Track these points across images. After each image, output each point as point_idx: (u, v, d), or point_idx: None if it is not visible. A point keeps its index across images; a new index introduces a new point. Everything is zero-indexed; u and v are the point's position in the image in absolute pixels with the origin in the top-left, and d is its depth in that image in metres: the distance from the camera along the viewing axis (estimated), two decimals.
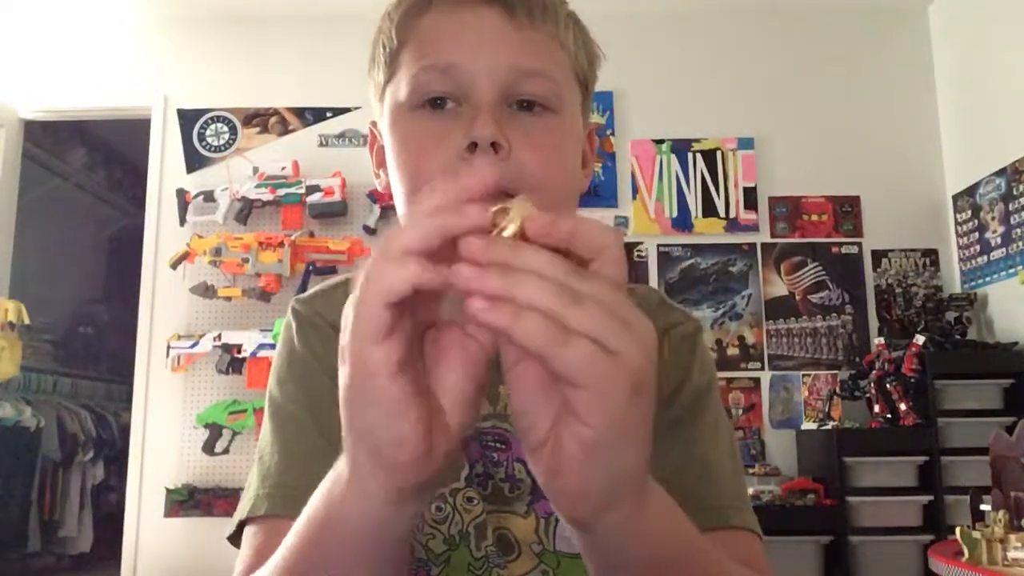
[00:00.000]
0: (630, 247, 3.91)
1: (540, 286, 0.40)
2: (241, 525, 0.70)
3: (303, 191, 3.85)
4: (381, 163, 0.76)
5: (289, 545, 0.54)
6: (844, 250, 4.01)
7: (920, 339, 3.51)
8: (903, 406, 3.45)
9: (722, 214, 4.03)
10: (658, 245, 3.99)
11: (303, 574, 0.53)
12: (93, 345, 6.07)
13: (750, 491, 3.43)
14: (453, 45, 0.68)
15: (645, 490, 0.48)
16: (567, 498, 0.45)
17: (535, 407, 0.44)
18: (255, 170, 3.93)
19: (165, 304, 3.90)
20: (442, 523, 0.71)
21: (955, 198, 3.98)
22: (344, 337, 0.44)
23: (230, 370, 3.72)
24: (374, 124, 0.79)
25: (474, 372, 0.45)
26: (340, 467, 0.50)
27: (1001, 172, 3.64)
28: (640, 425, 0.43)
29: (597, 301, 0.41)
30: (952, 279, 3.97)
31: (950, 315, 3.77)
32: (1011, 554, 1.99)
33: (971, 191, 3.85)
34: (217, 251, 3.78)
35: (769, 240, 4.01)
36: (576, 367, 0.40)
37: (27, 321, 3.96)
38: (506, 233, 0.43)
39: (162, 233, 4.00)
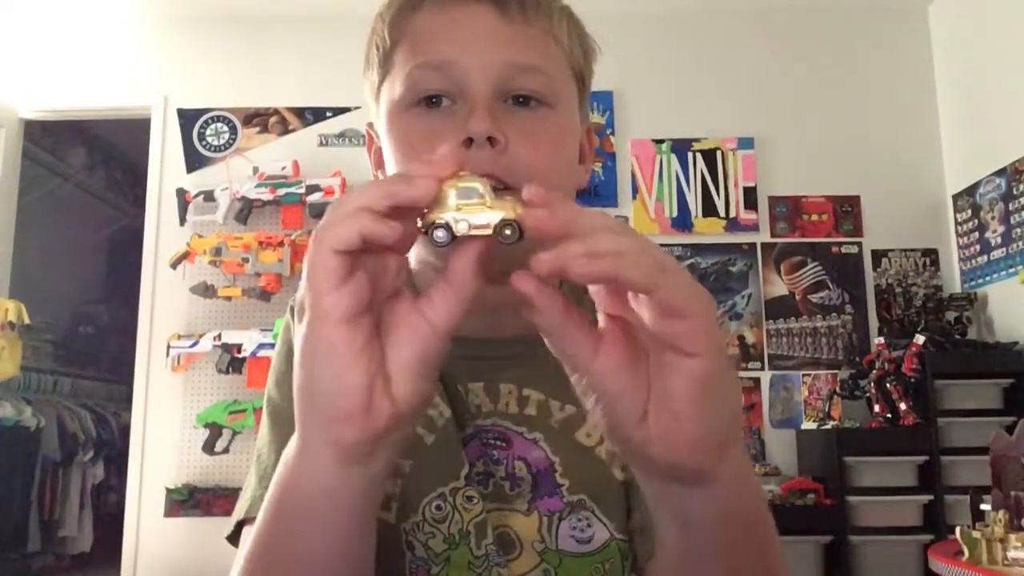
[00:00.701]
0: None
1: (618, 237, 0.44)
2: (240, 526, 0.70)
3: (303, 191, 3.85)
4: (379, 164, 0.76)
5: (260, 516, 0.55)
6: (844, 250, 4.01)
7: (920, 339, 3.51)
8: (903, 406, 3.45)
9: (722, 214, 4.03)
10: (658, 245, 3.99)
11: (272, 546, 0.54)
12: (93, 345, 6.07)
13: None
14: (446, 42, 0.68)
15: None
16: (688, 448, 0.46)
17: (629, 382, 0.46)
18: (255, 170, 3.93)
19: (165, 304, 3.90)
20: (442, 522, 0.71)
21: (955, 198, 3.98)
22: (299, 292, 0.47)
23: (230, 370, 3.72)
24: (371, 125, 0.79)
25: (419, 346, 0.47)
26: (294, 436, 0.51)
27: (1001, 172, 3.64)
28: (727, 354, 0.45)
29: (655, 245, 0.46)
30: (952, 279, 3.97)
31: (950, 315, 3.77)
32: (1011, 554, 1.99)
33: (971, 191, 3.85)
34: (217, 251, 3.78)
35: (769, 240, 4.01)
36: (682, 294, 0.43)
37: (27, 321, 3.96)
38: (473, 218, 0.46)
39: (162, 233, 4.00)
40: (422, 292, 0.49)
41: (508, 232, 0.46)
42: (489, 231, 0.46)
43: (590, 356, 0.46)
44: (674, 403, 0.44)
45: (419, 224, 0.47)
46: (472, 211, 0.46)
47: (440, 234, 0.46)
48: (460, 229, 0.46)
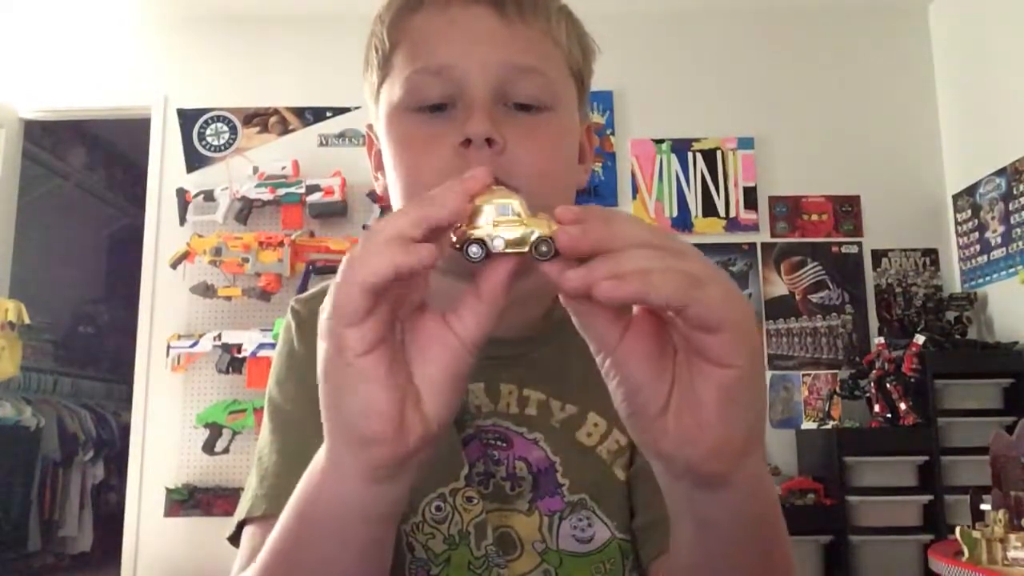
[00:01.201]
0: None
1: (650, 253, 0.44)
2: (240, 526, 0.70)
3: (303, 191, 3.85)
4: (379, 166, 0.76)
5: (277, 530, 0.55)
6: (844, 250, 4.01)
7: (920, 339, 3.51)
8: (903, 406, 3.45)
9: (722, 214, 4.03)
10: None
11: (290, 557, 0.54)
12: (93, 345, 6.06)
13: None
14: (445, 45, 0.68)
15: None
16: (707, 453, 0.45)
17: (651, 377, 0.46)
18: (255, 170, 3.93)
19: (165, 304, 3.90)
20: (442, 523, 0.71)
21: (955, 198, 3.98)
22: (323, 316, 0.46)
23: (230, 370, 3.71)
24: (370, 127, 0.79)
25: (449, 362, 0.48)
26: (321, 451, 0.51)
27: (1001, 172, 3.64)
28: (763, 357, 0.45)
29: (692, 251, 0.45)
30: (952, 279, 3.97)
31: (950, 315, 3.77)
32: (1011, 554, 1.99)
33: (971, 191, 3.85)
34: (217, 251, 3.78)
35: (769, 240, 4.01)
36: (715, 309, 0.42)
37: (27, 321, 3.96)
38: (508, 235, 0.47)
39: (162, 233, 4.00)
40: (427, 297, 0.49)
41: (544, 249, 0.46)
42: (525, 248, 0.46)
43: (615, 340, 0.46)
44: (700, 409, 0.44)
45: (453, 239, 0.47)
46: (507, 228, 0.47)
47: (475, 250, 0.47)
48: (496, 246, 0.47)
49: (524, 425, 0.73)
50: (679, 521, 0.54)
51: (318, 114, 4.11)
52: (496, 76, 0.67)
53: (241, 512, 0.70)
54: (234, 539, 0.71)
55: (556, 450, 0.73)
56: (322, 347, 0.47)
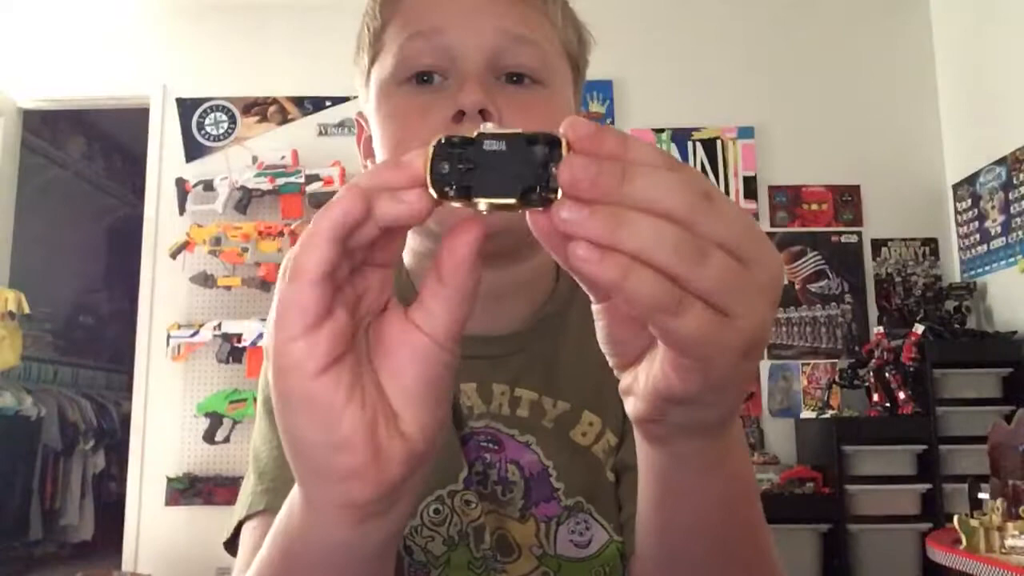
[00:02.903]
0: None
1: (659, 233, 0.34)
2: (239, 527, 0.68)
3: (302, 180, 3.84)
4: (369, 154, 0.74)
5: (260, 563, 0.49)
6: (844, 239, 4.01)
7: (919, 328, 3.52)
8: (902, 395, 3.46)
9: None
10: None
11: None
12: (93, 334, 6.07)
13: None
14: (438, 11, 0.67)
15: (728, 422, 0.44)
16: (637, 414, 0.42)
17: (627, 338, 0.41)
18: (254, 159, 3.93)
19: (165, 293, 3.91)
20: (440, 525, 0.70)
21: (955, 187, 3.97)
22: (266, 333, 0.39)
23: (230, 359, 3.72)
24: (360, 114, 0.77)
25: (423, 368, 0.39)
26: (295, 491, 0.44)
27: (1001, 161, 3.64)
28: (743, 383, 0.39)
29: (722, 242, 0.34)
30: (952, 268, 3.97)
31: (949, 304, 3.77)
32: (1008, 542, 2.00)
33: (971, 180, 3.84)
34: (217, 240, 3.78)
35: (769, 229, 4.00)
36: (685, 339, 0.35)
37: (27, 310, 3.97)
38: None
39: (162, 222, 3.99)
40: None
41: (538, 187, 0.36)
42: (513, 200, 0.36)
43: (599, 295, 0.41)
44: (648, 392, 0.40)
45: (431, 192, 0.37)
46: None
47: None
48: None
49: (516, 427, 0.71)
50: (644, 490, 0.50)
51: (317, 103, 4.10)
52: (491, 43, 0.65)
53: (241, 511, 0.68)
54: (231, 544, 0.69)
55: (549, 453, 0.71)
56: (267, 368, 0.39)
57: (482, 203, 0.36)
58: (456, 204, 0.37)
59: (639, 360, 0.41)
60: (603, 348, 0.42)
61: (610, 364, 0.43)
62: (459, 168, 0.36)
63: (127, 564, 3.75)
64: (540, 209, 0.36)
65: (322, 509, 0.41)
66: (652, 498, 0.50)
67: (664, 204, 0.34)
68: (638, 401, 0.41)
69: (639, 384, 0.40)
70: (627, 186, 0.34)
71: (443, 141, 0.37)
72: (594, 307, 0.41)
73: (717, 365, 0.36)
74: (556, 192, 0.35)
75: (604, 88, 4.06)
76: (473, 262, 0.38)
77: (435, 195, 0.36)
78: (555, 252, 0.37)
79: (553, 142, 0.35)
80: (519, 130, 0.36)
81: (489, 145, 0.36)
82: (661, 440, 0.44)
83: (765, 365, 3.89)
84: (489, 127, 0.37)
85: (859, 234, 4.01)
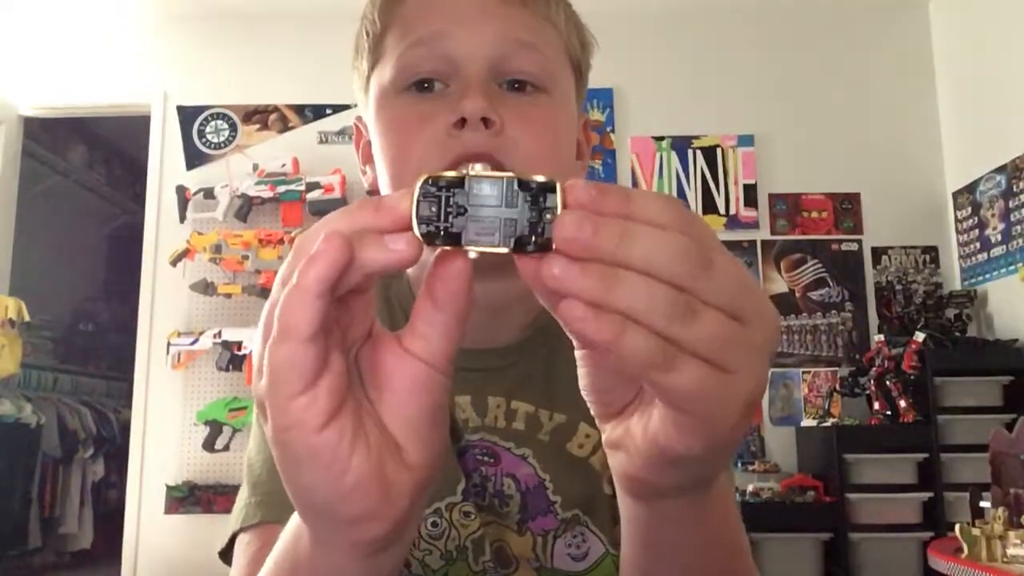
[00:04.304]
0: None
1: (651, 294, 0.33)
2: (233, 539, 0.67)
3: (303, 188, 3.85)
4: (367, 159, 0.73)
5: None
6: (844, 247, 4.01)
7: (920, 336, 3.51)
8: (903, 403, 3.45)
9: (722, 211, 4.02)
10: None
11: None
12: (93, 342, 6.06)
13: (749, 488, 3.44)
14: (439, 15, 0.65)
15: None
16: (629, 471, 0.41)
17: (612, 387, 0.40)
18: (255, 167, 3.93)
19: (165, 301, 3.91)
20: (438, 538, 0.69)
21: (955, 195, 3.97)
22: (259, 386, 0.37)
23: (230, 367, 3.72)
24: (359, 119, 0.75)
25: (423, 396, 0.38)
26: (300, 522, 0.43)
27: (1001, 169, 3.64)
28: (739, 440, 0.38)
29: (719, 305, 0.34)
30: (952, 276, 3.97)
31: (950, 312, 3.77)
32: (1010, 551, 2.00)
33: (971, 188, 3.85)
34: (217, 248, 3.78)
35: (769, 237, 4.01)
36: (682, 396, 0.34)
37: (27, 318, 3.97)
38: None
39: (162, 230, 4.00)
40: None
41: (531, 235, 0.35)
42: (505, 250, 0.35)
43: (584, 343, 0.39)
44: (637, 452, 0.39)
45: (416, 230, 0.35)
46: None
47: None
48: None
49: (512, 440, 0.70)
50: (625, 538, 0.50)
51: (318, 111, 4.11)
52: (492, 51, 0.64)
53: (235, 523, 0.67)
54: (225, 554, 0.68)
55: (545, 467, 0.70)
56: (266, 428, 0.37)
57: (472, 251, 0.35)
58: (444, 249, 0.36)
59: (624, 412, 0.40)
60: (585, 396, 0.41)
61: (592, 413, 0.42)
62: (447, 211, 0.35)
63: (126, 572, 3.74)
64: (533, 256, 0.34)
65: (332, 546, 0.40)
66: (633, 546, 0.49)
67: (663, 272, 0.33)
68: (632, 458, 0.40)
69: (634, 440, 0.39)
70: (625, 247, 0.33)
71: (429, 181, 0.35)
72: (577, 353, 0.40)
73: (719, 422, 0.35)
74: (551, 242, 0.34)
75: (604, 96, 4.06)
76: (468, 288, 0.37)
77: (421, 241, 0.35)
78: (544, 300, 0.36)
79: (548, 188, 0.34)
80: (510, 173, 0.35)
81: (479, 188, 0.35)
82: (646, 498, 0.44)
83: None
84: (478, 168, 0.36)
85: (859, 242, 4.01)
